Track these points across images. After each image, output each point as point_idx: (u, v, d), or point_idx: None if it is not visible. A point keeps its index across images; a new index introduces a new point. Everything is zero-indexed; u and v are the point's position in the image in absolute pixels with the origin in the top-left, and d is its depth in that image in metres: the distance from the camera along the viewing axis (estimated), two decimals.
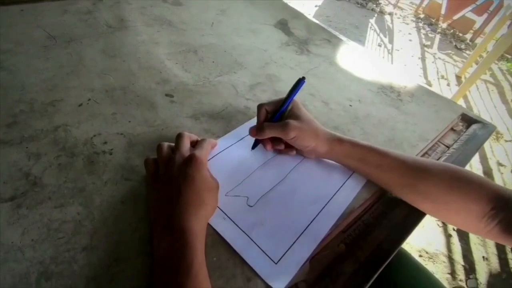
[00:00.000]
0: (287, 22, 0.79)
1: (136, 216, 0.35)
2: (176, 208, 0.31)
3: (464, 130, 0.57)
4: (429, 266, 1.14)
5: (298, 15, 0.83)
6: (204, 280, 0.28)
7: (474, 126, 0.57)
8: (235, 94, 0.54)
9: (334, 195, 0.40)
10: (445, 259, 1.17)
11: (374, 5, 3.23)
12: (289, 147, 0.43)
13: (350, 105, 0.56)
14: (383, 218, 0.40)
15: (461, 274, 1.14)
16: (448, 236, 1.25)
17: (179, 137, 0.38)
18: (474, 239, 1.25)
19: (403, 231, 0.39)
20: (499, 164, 1.63)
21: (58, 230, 0.32)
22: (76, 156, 0.40)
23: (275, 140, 0.43)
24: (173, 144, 0.38)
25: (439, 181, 0.37)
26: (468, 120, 0.59)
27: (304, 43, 0.72)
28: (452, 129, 0.57)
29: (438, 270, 1.14)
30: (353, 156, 0.41)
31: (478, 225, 0.35)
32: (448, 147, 0.53)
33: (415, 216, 0.41)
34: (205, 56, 0.61)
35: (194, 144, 0.40)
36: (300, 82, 0.41)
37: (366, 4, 3.25)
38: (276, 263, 0.33)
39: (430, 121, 0.55)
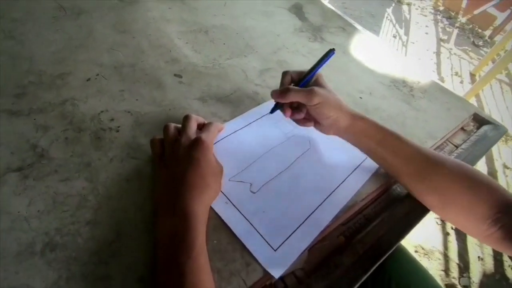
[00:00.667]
0: (302, 6, 0.76)
1: (140, 195, 0.35)
2: (180, 191, 0.31)
3: (475, 131, 0.56)
4: (423, 262, 1.15)
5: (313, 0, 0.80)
6: (205, 263, 0.29)
7: (485, 127, 0.56)
8: (244, 78, 0.53)
9: (338, 187, 0.40)
10: (441, 257, 1.18)
11: None
12: (307, 119, 0.42)
13: (360, 97, 0.55)
14: (384, 213, 0.40)
15: (455, 272, 1.15)
16: (445, 234, 1.25)
17: (186, 119, 0.38)
18: (471, 239, 1.26)
19: (403, 228, 0.39)
20: (505, 167, 1.61)
21: (63, 203, 0.33)
22: (83, 131, 0.40)
23: (294, 109, 0.42)
24: (180, 126, 0.38)
25: (451, 175, 0.36)
26: (479, 120, 0.58)
27: (318, 30, 0.70)
28: (462, 128, 0.56)
29: (432, 266, 1.15)
30: (373, 136, 0.39)
31: (480, 227, 0.34)
32: (456, 146, 0.52)
33: (417, 214, 0.41)
34: (216, 37, 0.60)
35: (201, 127, 0.39)
36: (329, 53, 0.40)
37: None
38: (275, 250, 0.33)
39: (441, 119, 0.54)
